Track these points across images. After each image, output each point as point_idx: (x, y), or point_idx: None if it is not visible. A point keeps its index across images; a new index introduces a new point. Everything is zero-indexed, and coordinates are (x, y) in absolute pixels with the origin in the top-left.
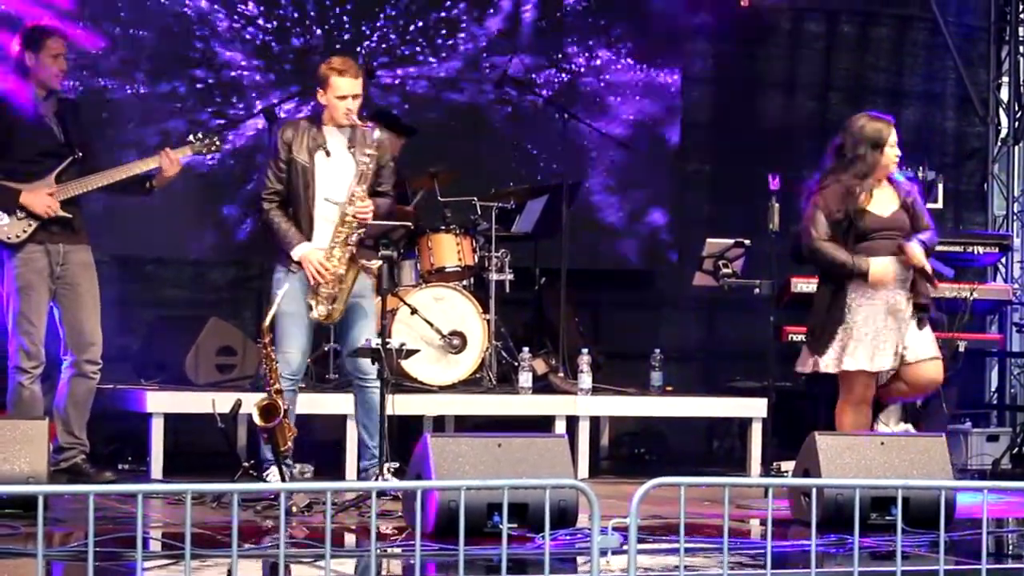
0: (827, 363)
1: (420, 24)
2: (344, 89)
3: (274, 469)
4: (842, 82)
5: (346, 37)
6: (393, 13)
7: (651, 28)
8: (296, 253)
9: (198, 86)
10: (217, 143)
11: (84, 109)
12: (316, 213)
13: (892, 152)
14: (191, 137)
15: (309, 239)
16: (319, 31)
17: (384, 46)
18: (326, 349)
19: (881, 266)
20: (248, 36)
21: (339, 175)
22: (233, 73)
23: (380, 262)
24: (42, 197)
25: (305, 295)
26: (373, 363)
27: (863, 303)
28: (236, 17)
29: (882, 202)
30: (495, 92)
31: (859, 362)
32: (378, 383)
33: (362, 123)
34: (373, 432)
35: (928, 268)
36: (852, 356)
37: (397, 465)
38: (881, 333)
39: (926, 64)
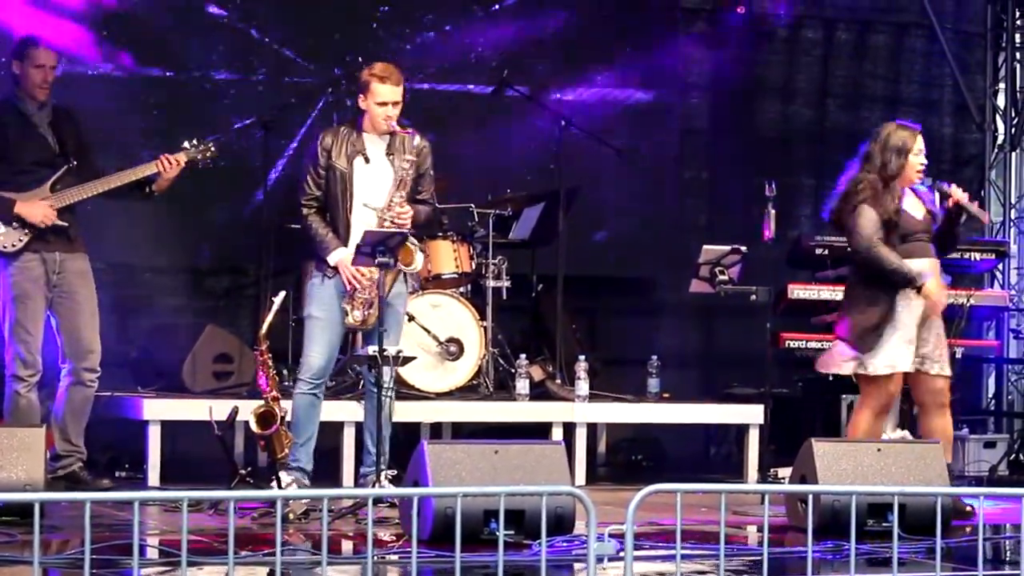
0: (875, 364)
1: (411, 27)
2: (385, 95)
3: (283, 474)
4: (840, 89)
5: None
6: (386, 9)
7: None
8: (333, 259)
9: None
10: (212, 149)
11: (81, 118)
12: (353, 218)
13: (916, 160)
14: (186, 143)
15: (346, 244)
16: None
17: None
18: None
19: (935, 287)
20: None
21: (378, 181)
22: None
23: (419, 262)
24: (38, 207)
25: (340, 301)
26: (370, 370)
27: (907, 305)
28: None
29: (912, 207)
30: (491, 98)
31: (903, 363)
32: (391, 391)
33: (403, 129)
34: (378, 438)
35: (967, 202)
36: (898, 357)
37: (395, 472)
38: (914, 338)
39: (923, 71)
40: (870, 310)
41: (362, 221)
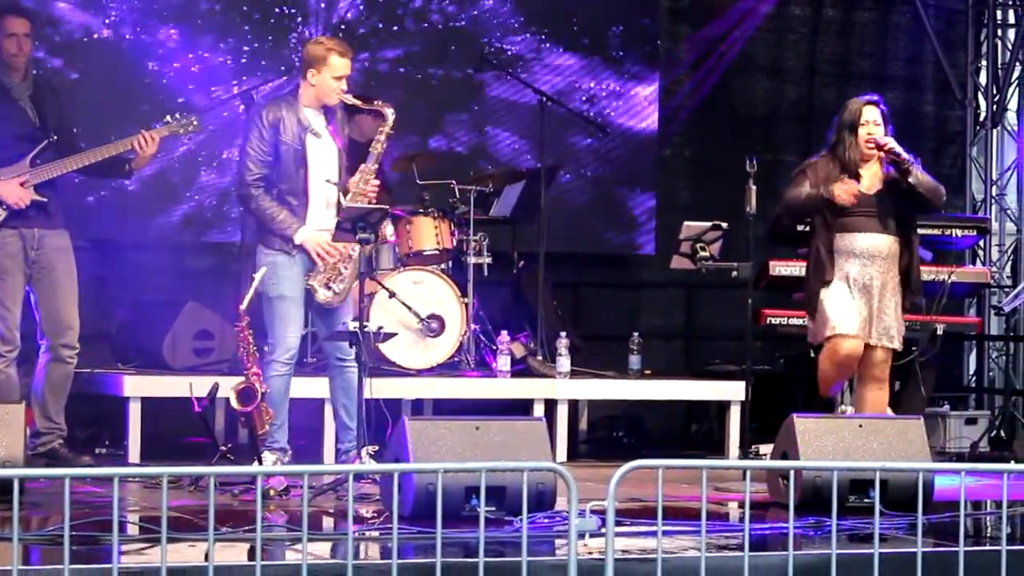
0: (813, 331)
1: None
2: (342, 69)
3: (266, 454)
4: (826, 66)
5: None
6: None
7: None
8: (299, 237)
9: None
10: (195, 123)
11: (64, 91)
12: (312, 195)
13: (864, 131)
14: (168, 117)
15: (305, 222)
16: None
17: (353, 21)
18: (303, 332)
19: (838, 188)
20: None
21: (329, 156)
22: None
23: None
24: (14, 188)
25: (305, 279)
26: (351, 346)
27: (844, 274)
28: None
29: (866, 180)
30: (472, 74)
31: (845, 326)
32: (358, 365)
33: (369, 102)
34: (353, 414)
35: (894, 148)
36: (838, 321)
37: (376, 448)
38: (858, 305)
39: (908, 48)
40: (811, 281)
41: (322, 197)
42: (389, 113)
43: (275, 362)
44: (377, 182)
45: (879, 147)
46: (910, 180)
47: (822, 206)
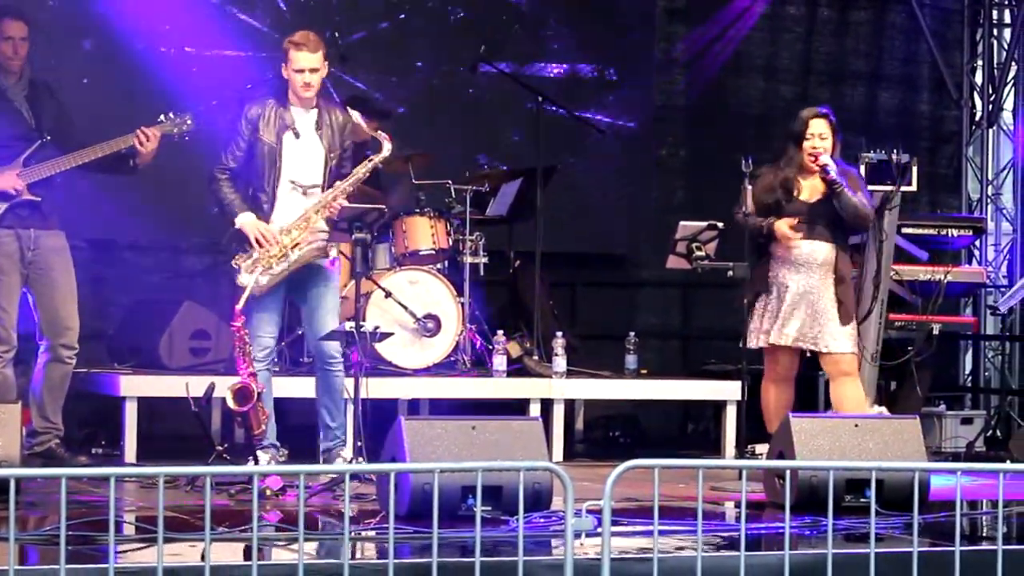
0: (749, 338)
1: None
2: (301, 62)
3: (261, 453)
4: (821, 66)
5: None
6: None
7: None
8: (238, 221)
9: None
10: (189, 122)
11: (61, 92)
12: (280, 194)
13: (808, 145)
14: (162, 116)
15: (269, 221)
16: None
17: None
18: (299, 332)
19: (782, 224)
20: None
21: (307, 157)
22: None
23: (334, 253)
24: (8, 177)
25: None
26: (348, 346)
27: (777, 282)
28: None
29: (809, 191)
30: (468, 75)
31: (770, 336)
32: (342, 366)
33: (372, 125)
34: (335, 413)
35: (828, 166)
36: (764, 331)
37: (351, 457)
38: (782, 312)
39: (903, 48)
40: (752, 286)
41: (288, 196)
42: (386, 146)
43: (258, 360)
44: (344, 202)
45: (816, 160)
46: (836, 203)
47: (761, 232)
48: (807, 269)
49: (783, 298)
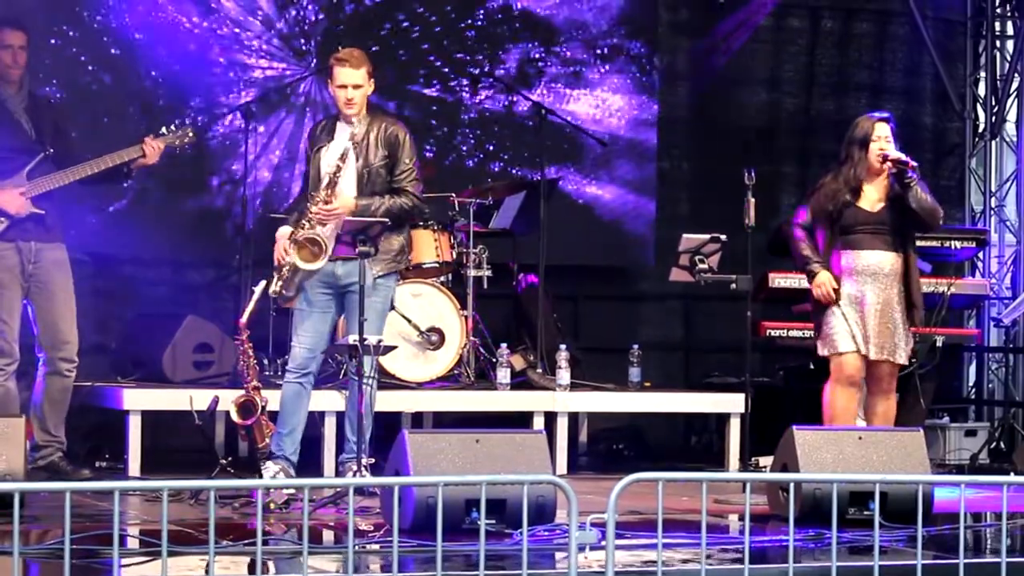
0: (820, 346)
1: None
2: (343, 78)
3: (270, 464)
4: (824, 78)
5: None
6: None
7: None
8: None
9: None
10: (191, 135)
11: (63, 106)
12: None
13: (875, 147)
14: (164, 129)
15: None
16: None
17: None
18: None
19: (825, 278)
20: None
21: (332, 168)
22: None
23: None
24: (15, 198)
25: (319, 288)
26: (351, 359)
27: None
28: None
29: (871, 198)
30: (472, 87)
31: (843, 345)
32: (372, 380)
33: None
34: (354, 426)
35: (901, 157)
36: (838, 340)
37: (373, 460)
38: (855, 321)
39: (906, 60)
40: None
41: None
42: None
43: (287, 371)
44: (330, 207)
45: (886, 158)
46: (910, 196)
47: (806, 272)
48: (872, 279)
49: (863, 310)
